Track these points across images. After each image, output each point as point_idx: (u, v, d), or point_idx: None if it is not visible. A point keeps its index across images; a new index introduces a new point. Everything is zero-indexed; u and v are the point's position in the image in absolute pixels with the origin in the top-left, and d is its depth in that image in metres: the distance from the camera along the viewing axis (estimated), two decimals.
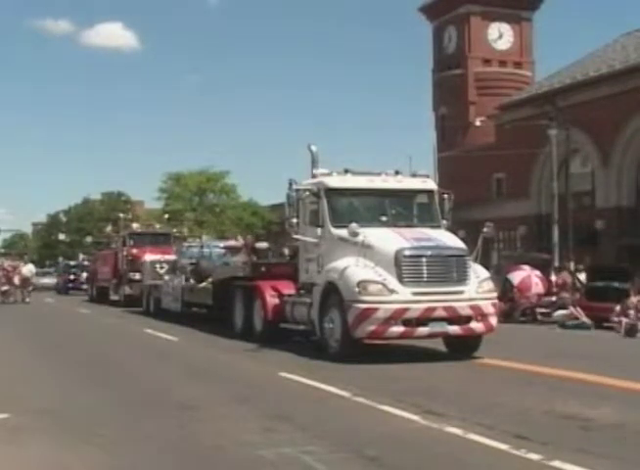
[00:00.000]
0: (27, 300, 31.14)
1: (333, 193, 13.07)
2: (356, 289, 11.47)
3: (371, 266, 11.68)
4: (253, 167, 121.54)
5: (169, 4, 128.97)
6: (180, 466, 6.01)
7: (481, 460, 6.00)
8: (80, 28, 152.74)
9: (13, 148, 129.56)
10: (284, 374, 10.36)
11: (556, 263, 26.12)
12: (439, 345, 12.75)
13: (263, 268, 15.85)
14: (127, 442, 6.72)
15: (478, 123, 38.77)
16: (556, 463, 5.72)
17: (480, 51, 45.72)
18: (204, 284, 18.99)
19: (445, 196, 13.76)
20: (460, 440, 6.58)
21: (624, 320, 17.39)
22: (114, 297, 30.72)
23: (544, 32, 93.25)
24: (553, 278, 22.64)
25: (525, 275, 21.84)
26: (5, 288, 31.52)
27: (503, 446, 6.24)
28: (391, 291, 11.44)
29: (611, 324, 18.01)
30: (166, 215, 53.37)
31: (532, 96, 37.32)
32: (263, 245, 17.61)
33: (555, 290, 21.84)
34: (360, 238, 11.83)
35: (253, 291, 15.25)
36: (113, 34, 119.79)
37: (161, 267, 25.07)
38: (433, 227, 13.02)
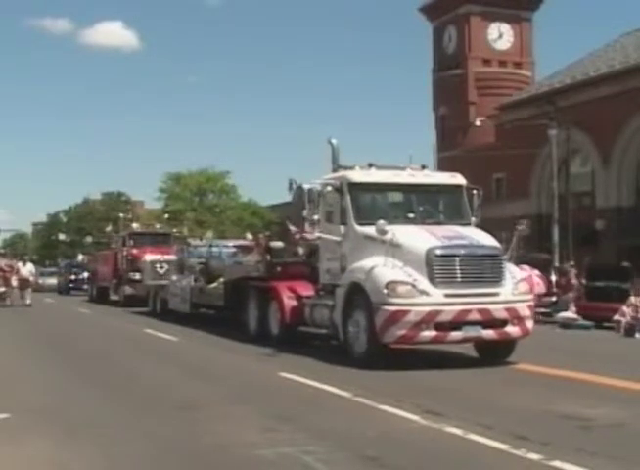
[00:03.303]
0: (28, 301, 28.73)
1: (357, 188, 12.35)
2: (385, 290, 10.75)
3: (400, 266, 10.97)
4: (253, 167, 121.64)
5: (169, 4, 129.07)
6: (180, 466, 6.01)
7: (481, 460, 6.01)
8: (80, 28, 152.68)
9: (13, 148, 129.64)
10: (284, 374, 10.35)
11: (556, 264, 26.12)
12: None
13: (279, 268, 15.00)
14: (127, 441, 6.72)
15: (478, 123, 38.82)
16: (556, 463, 5.72)
17: (480, 51, 45.72)
18: (214, 285, 18.31)
19: (474, 192, 13.08)
20: (460, 440, 6.58)
21: (624, 320, 17.41)
22: (114, 297, 30.63)
23: (544, 32, 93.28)
24: (553, 278, 22.64)
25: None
26: (1, 290, 29.41)
27: (503, 446, 6.24)
28: (423, 292, 10.76)
29: (611, 324, 18.02)
30: (166, 215, 53.33)
31: (532, 96, 37.30)
32: (278, 244, 16.67)
33: (555, 290, 21.84)
34: (388, 236, 11.09)
35: (269, 292, 14.54)
36: (112, 34, 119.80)
37: (161, 267, 25.03)
38: (462, 225, 12.31)
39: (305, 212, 12.65)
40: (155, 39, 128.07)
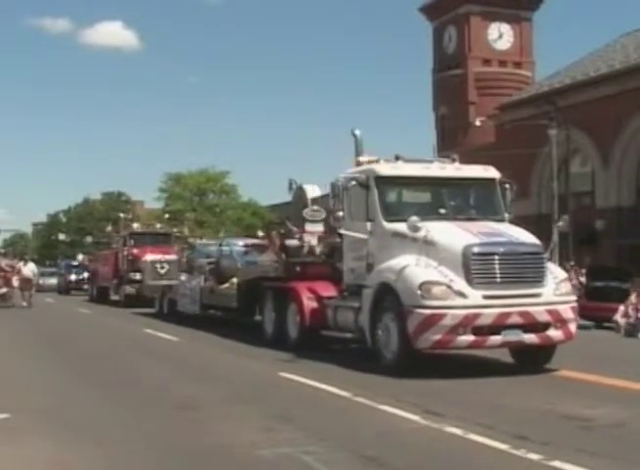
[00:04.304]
0: (30, 303, 27.92)
1: (384, 182, 11.53)
2: (418, 292, 9.98)
3: (434, 266, 10.22)
4: (253, 167, 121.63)
5: (169, 4, 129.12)
6: (180, 466, 6.01)
7: (481, 460, 6.01)
8: (80, 28, 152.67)
9: (13, 148, 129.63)
10: (284, 374, 10.35)
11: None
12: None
13: (298, 268, 14.13)
14: (127, 441, 6.72)
15: (478, 123, 38.78)
16: (556, 463, 5.72)
17: (480, 51, 45.74)
18: (226, 285, 17.51)
19: (507, 185, 12.33)
20: (460, 440, 6.58)
21: (624, 321, 17.41)
22: (114, 297, 30.56)
23: (544, 32, 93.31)
24: None
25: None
26: (3, 290, 28.76)
27: (503, 446, 6.24)
28: (459, 294, 9.98)
29: (611, 324, 18.02)
30: (167, 215, 53.23)
31: (532, 96, 37.29)
32: (294, 242, 15.75)
33: None
34: (422, 233, 10.36)
35: (288, 293, 13.73)
36: (112, 34, 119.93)
37: (162, 267, 24.97)
38: (496, 221, 11.52)
39: (330, 207, 11.92)
40: (155, 39, 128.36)
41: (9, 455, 6.28)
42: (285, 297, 13.86)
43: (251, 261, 17.39)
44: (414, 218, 10.42)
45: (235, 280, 17.01)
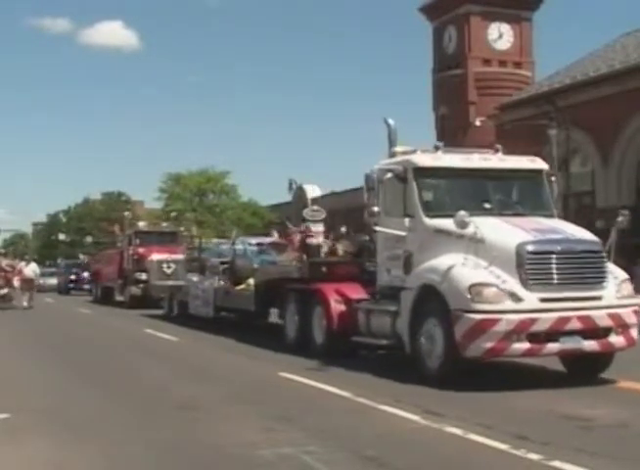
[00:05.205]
0: (31, 304, 27.66)
1: (424, 174, 10.63)
2: (468, 294, 9.08)
3: (483, 266, 9.35)
4: (253, 167, 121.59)
5: (169, 4, 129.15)
6: (180, 466, 6.02)
7: (481, 460, 6.01)
8: (80, 27, 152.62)
9: (13, 148, 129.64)
10: (284, 374, 10.35)
11: None
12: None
13: (324, 268, 13.21)
14: (127, 441, 6.73)
15: (478, 123, 38.73)
16: (556, 463, 5.73)
17: (480, 51, 45.71)
18: (242, 286, 16.52)
19: (553, 179, 11.61)
20: (460, 440, 6.58)
21: None
22: (119, 297, 29.55)
23: (544, 32, 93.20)
24: None
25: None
26: (3, 291, 28.45)
27: (503, 446, 6.24)
28: (514, 297, 9.11)
29: None
30: (174, 213, 52.54)
31: (532, 96, 37.27)
32: (315, 241, 15.00)
33: None
34: (470, 230, 9.48)
35: (313, 295, 12.75)
36: (112, 33, 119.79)
37: (169, 267, 24.68)
38: (546, 216, 10.65)
39: (365, 202, 10.88)
40: (155, 39, 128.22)
41: (9, 455, 6.29)
42: (310, 299, 12.89)
43: (270, 261, 16.49)
44: (462, 213, 9.49)
45: (252, 281, 16.05)
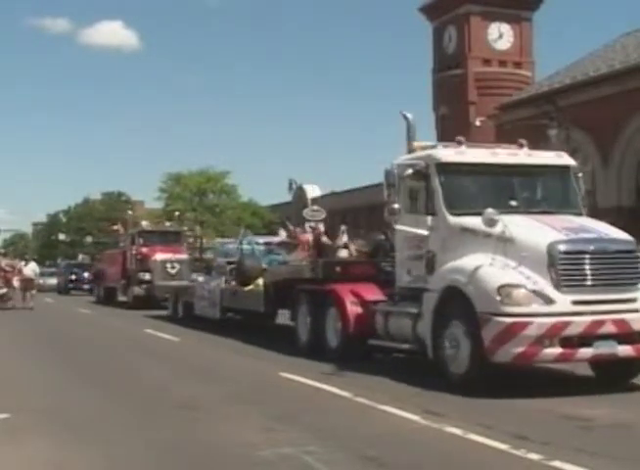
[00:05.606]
0: (31, 304, 27.55)
1: (447, 170, 10.15)
2: (497, 296, 8.63)
3: (512, 266, 8.91)
4: (253, 167, 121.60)
5: (169, 4, 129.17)
6: (180, 466, 6.02)
7: (481, 460, 6.01)
8: (80, 27, 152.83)
9: (13, 148, 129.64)
10: (284, 374, 10.35)
11: None
12: None
13: (338, 268, 12.67)
14: (127, 441, 6.73)
15: (478, 123, 38.74)
16: (556, 463, 5.73)
17: (480, 51, 45.73)
18: (251, 287, 16.01)
19: (580, 175, 11.23)
20: (460, 440, 6.58)
21: None
22: (122, 298, 29.32)
23: (544, 32, 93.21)
24: None
25: None
26: (2, 291, 28.22)
27: (503, 446, 6.24)
28: (545, 299, 8.67)
29: None
30: (177, 212, 52.27)
31: (532, 96, 37.26)
32: (328, 240, 14.62)
33: None
34: (498, 229, 9.07)
35: (327, 297, 12.22)
36: (112, 33, 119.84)
37: (173, 267, 24.57)
38: (574, 214, 10.27)
39: (385, 199, 10.39)
40: (155, 39, 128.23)
41: (9, 455, 6.29)
42: (323, 300, 12.38)
43: (280, 261, 16.15)
44: (491, 211, 9.10)
45: (261, 281, 15.53)
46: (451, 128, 45.61)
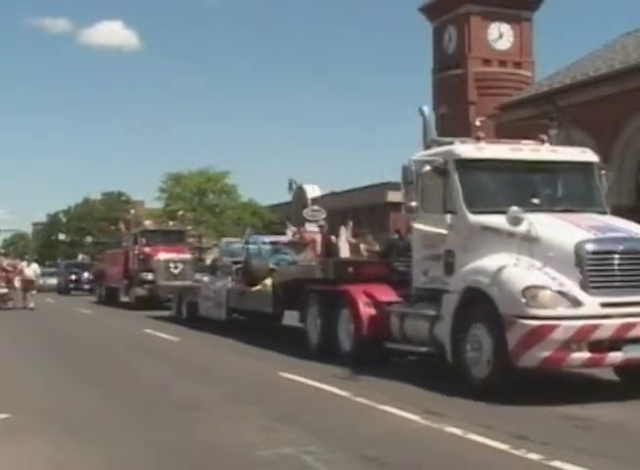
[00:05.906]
0: (31, 305, 27.41)
1: (467, 166, 9.76)
2: (522, 298, 8.25)
3: (537, 267, 8.54)
4: (253, 167, 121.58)
5: (169, 4, 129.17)
6: (180, 466, 6.02)
7: (481, 460, 6.01)
8: (80, 27, 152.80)
9: (13, 148, 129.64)
10: (284, 374, 10.35)
11: None
12: None
13: (351, 268, 12.27)
14: (127, 441, 6.73)
15: (478, 123, 38.65)
16: (556, 463, 5.73)
17: (480, 51, 45.75)
18: (258, 287, 15.65)
19: (603, 172, 10.68)
20: (460, 440, 6.58)
21: None
22: (124, 298, 29.08)
23: (544, 32, 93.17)
24: None
25: None
26: (3, 291, 28.11)
27: (503, 446, 6.24)
28: (573, 301, 8.28)
29: None
30: (181, 212, 52.07)
31: (532, 96, 37.26)
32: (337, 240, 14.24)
33: None
34: (523, 227, 8.71)
35: (339, 298, 11.83)
36: (112, 33, 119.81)
37: (176, 267, 24.46)
38: (598, 212, 9.89)
39: (403, 196, 10.04)
40: (155, 39, 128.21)
41: (9, 455, 6.29)
42: (335, 302, 11.98)
43: (289, 260, 15.83)
44: (515, 209, 8.73)
45: (268, 281, 15.19)
46: (451, 128, 45.67)
